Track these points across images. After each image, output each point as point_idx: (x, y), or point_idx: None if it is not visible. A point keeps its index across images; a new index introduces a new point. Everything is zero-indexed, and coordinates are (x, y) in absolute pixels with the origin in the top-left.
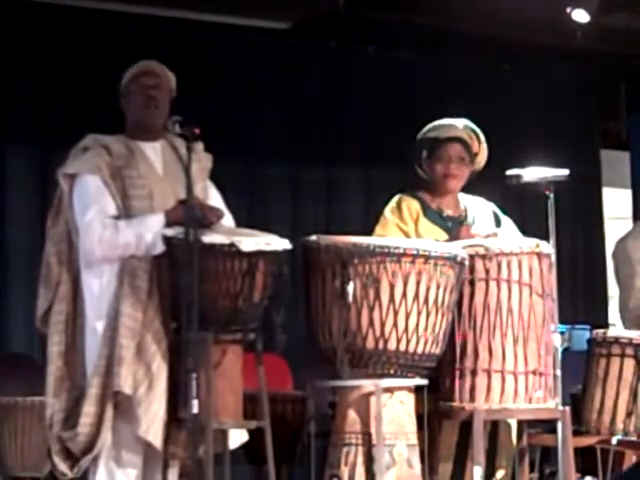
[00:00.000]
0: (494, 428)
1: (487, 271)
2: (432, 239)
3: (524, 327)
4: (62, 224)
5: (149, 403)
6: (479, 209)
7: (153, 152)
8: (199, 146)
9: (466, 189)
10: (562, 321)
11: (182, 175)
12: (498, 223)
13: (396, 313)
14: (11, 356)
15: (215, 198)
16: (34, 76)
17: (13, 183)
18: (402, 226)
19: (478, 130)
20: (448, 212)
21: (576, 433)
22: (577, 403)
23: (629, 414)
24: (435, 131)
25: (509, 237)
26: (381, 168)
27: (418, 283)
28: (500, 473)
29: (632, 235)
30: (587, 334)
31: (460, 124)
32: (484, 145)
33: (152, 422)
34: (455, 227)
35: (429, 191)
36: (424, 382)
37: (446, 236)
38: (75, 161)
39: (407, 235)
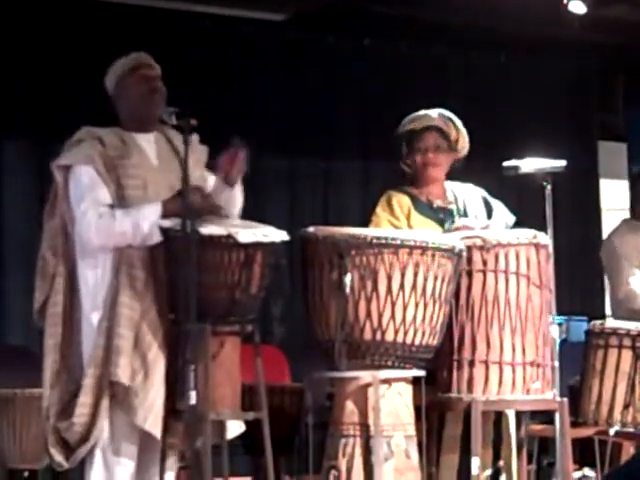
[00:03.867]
0: (499, 417)
1: (485, 262)
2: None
3: (522, 318)
4: (57, 218)
5: (146, 393)
6: (469, 196)
7: (147, 143)
8: (195, 138)
9: (462, 179)
10: (560, 312)
11: (176, 166)
12: (489, 209)
13: (393, 304)
14: (9, 348)
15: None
16: (31, 69)
17: (11, 175)
18: (394, 222)
19: (454, 117)
20: (438, 203)
21: (574, 424)
22: (575, 394)
23: (627, 405)
24: (411, 123)
25: (502, 221)
26: (378, 160)
27: (416, 274)
28: (500, 462)
29: (618, 232)
30: (585, 325)
31: (434, 113)
32: (462, 130)
33: (149, 412)
34: (447, 218)
35: (416, 184)
36: (422, 373)
37: (438, 228)
38: (69, 153)
39: None
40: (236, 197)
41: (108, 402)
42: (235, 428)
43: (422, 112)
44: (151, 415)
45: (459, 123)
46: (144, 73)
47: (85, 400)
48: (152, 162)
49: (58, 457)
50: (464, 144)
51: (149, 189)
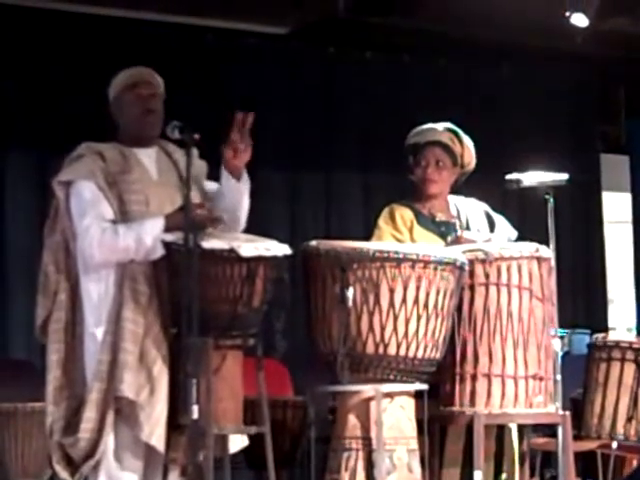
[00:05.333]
0: (501, 431)
1: (487, 276)
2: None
3: (524, 331)
4: (59, 233)
5: (152, 408)
6: (471, 210)
7: (147, 158)
8: (194, 152)
9: (464, 193)
10: (562, 325)
11: (177, 180)
12: (491, 223)
13: (396, 318)
14: (11, 362)
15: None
16: (33, 83)
17: (13, 190)
18: (397, 235)
19: (459, 131)
20: (440, 217)
21: (577, 438)
22: (577, 408)
23: (630, 419)
24: (416, 137)
25: (504, 241)
26: (380, 173)
27: (418, 288)
28: (502, 476)
29: None
30: (587, 338)
31: (440, 127)
32: (468, 145)
33: (155, 426)
34: (449, 232)
35: (419, 198)
36: (424, 387)
37: (440, 241)
38: (70, 168)
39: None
40: (242, 194)
41: (113, 417)
42: (238, 442)
43: (428, 126)
44: (157, 430)
45: (465, 138)
46: (139, 92)
47: (90, 415)
48: (153, 177)
49: (63, 474)
50: (470, 159)
51: (151, 204)
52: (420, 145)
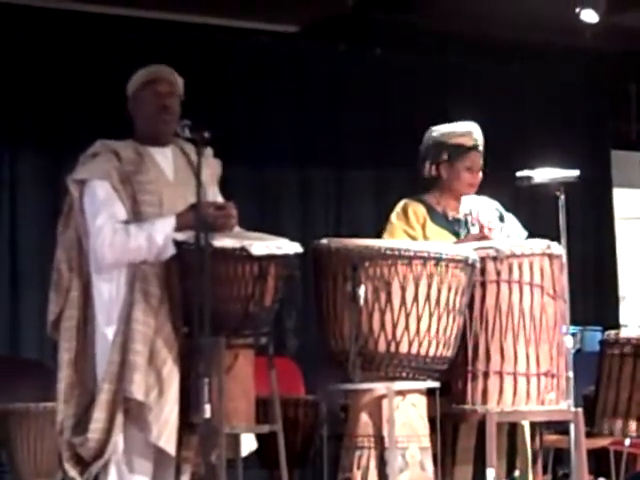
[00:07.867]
0: (513, 428)
1: (498, 273)
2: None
3: (536, 329)
4: (72, 230)
5: (160, 409)
6: (483, 208)
7: (163, 158)
8: (209, 152)
9: (476, 190)
10: (574, 322)
11: (193, 181)
12: (502, 221)
13: (407, 316)
14: (23, 362)
15: None
16: (45, 81)
17: (25, 188)
18: (409, 231)
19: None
20: (453, 214)
21: (589, 435)
22: (590, 405)
23: None
24: (460, 137)
25: (514, 235)
26: (391, 170)
27: (429, 286)
28: (515, 473)
29: None
30: (599, 335)
31: (478, 132)
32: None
33: (164, 428)
34: (461, 229)
35: (434, 193)
36: (436, 385)
37: (453, 239)
38: (85, 167)
39: (415, 240)
40: None
41: (122, 418)
42: (246, 445)
43: (473, 127)
44: (165, 431)
45: None
46: (157, 89)
47: (100, 416)
48: (168, 178)
49: (72, 472)
50: None
51: (165, 205)
52: (466, 148)
